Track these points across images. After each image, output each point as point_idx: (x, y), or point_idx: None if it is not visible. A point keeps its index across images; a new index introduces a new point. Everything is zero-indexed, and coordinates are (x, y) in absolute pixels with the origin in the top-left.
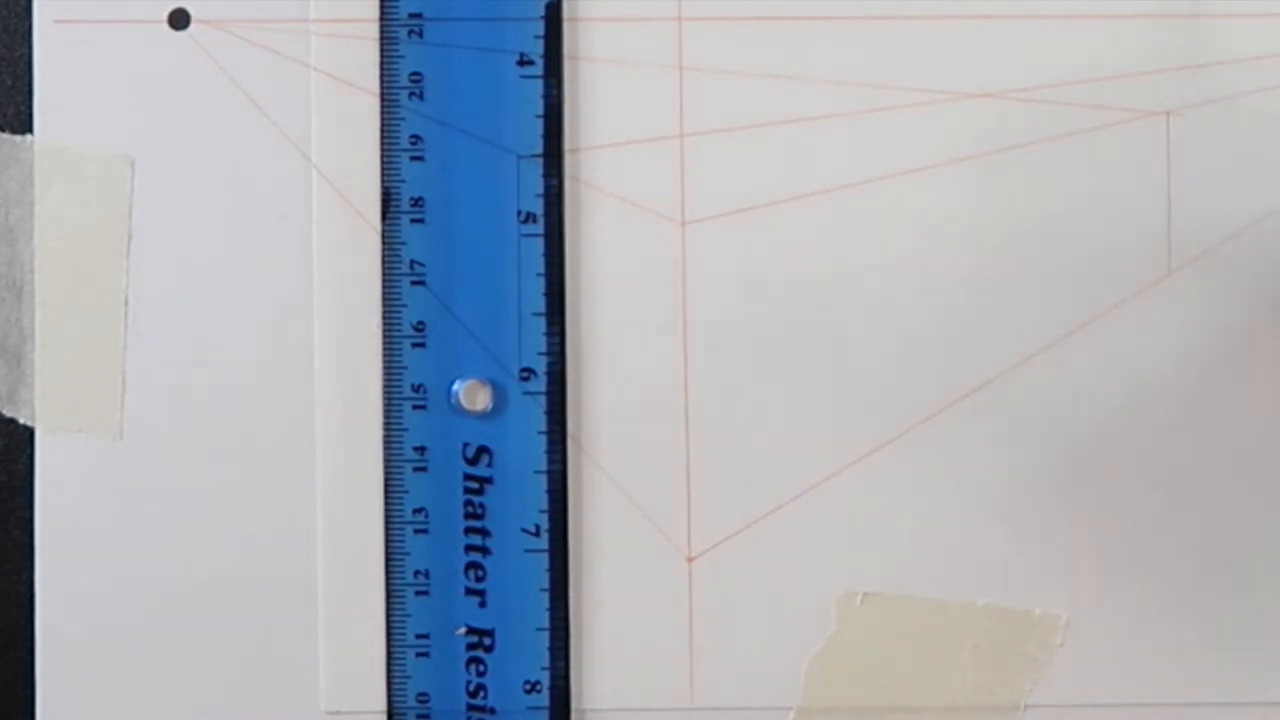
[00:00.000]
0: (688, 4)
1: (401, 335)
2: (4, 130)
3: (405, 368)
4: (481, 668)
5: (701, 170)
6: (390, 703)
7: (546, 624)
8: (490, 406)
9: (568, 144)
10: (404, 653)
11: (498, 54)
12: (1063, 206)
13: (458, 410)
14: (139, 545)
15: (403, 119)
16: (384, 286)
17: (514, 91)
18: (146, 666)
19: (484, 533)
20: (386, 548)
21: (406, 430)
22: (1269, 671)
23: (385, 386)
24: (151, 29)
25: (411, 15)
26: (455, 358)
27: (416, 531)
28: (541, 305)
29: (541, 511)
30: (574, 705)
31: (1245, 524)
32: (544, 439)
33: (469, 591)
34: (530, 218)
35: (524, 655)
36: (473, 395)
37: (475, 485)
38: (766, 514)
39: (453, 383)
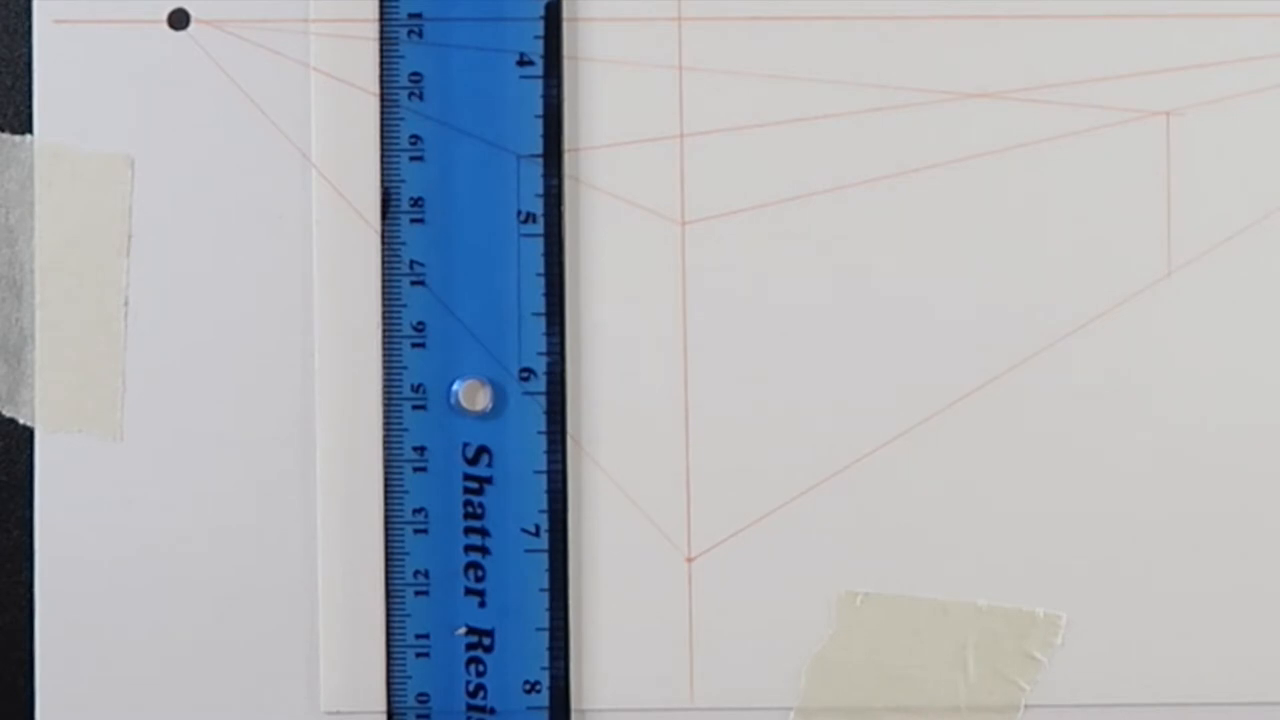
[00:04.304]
0: (688, 4)
1: (401, 335)
2: (4, 130)
3: (405, 368)
4: (481, 668)
5: (701, 170)
6: (390, 703)
7: (546, 624)
8: (490, 406)
9: (568, 144)
10: (404, 653)
11: (498, 54)
12: (1063, 206)
13: (457, 410)
14: (139, 545)
15: (402, 119)
16: (384, 286)
17: (514, 91)
18: (146, 667)
19: (484, 533)
20: (386, 548)
21: (406, 430)
22: (1269, 671)
23: (385, 386)
24: (151, 29)
25: (411, 15)
26: (455, 358)
27: (416, 531)
28: (541, 305)
29: (541, 511)
30: (574, 705)
31: (1245, 524)
32: (544, 439)
33: (469, 591)
34: (530, 218)
35: (524, 655)
36: (472, 395)
37: (475, 485)
38: (766, 514)
39: (452, 383)
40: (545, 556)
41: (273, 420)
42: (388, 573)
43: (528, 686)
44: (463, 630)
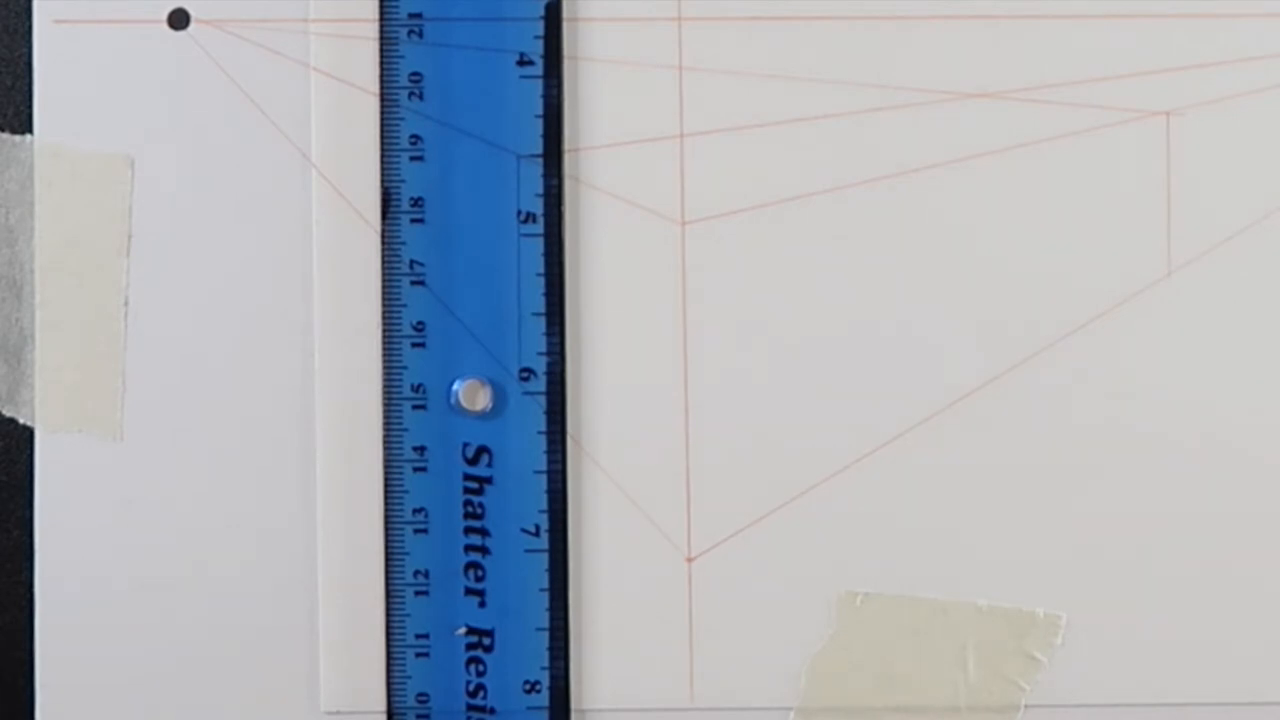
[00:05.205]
0: (688, 4)
1: (401, 335)
2: (4, 130)
3: (405, 368)
4: (481, 668)
5: (701, 170)
6: (390, 703)
7: (546, 624)
8: (490, 406)
9: (568, 144)
10: (404, 653)
11: (498, 54)
12: (1063, 206)
13: (457, 410)
14: (139, 545)
15: (402, 119)
16: (384, 286)
17: (514, 91)
18: (146, 666)
19: (484, 533)
20: (386, 548)
21: (406, 430)
22: (1269, 671)
23: (385, 386)
24: (151, 29)
25: (411, 15)
26: (455, 358)
27: (416, 531)
28: (541, 305)
29: (541, 511)
30: (574, 705)
31: (1245, 524)
32: (544, 439)
33: (469, 591)
34: (530, 218)
35: (524, 655)
36: (473, 395)
37: (475, 485)
38: (766, 514)
39: (453, 383)
40: (545, 556)
41: (273, 420)
42: (388, 573)
43: (528, 686)
44: (463, 630)
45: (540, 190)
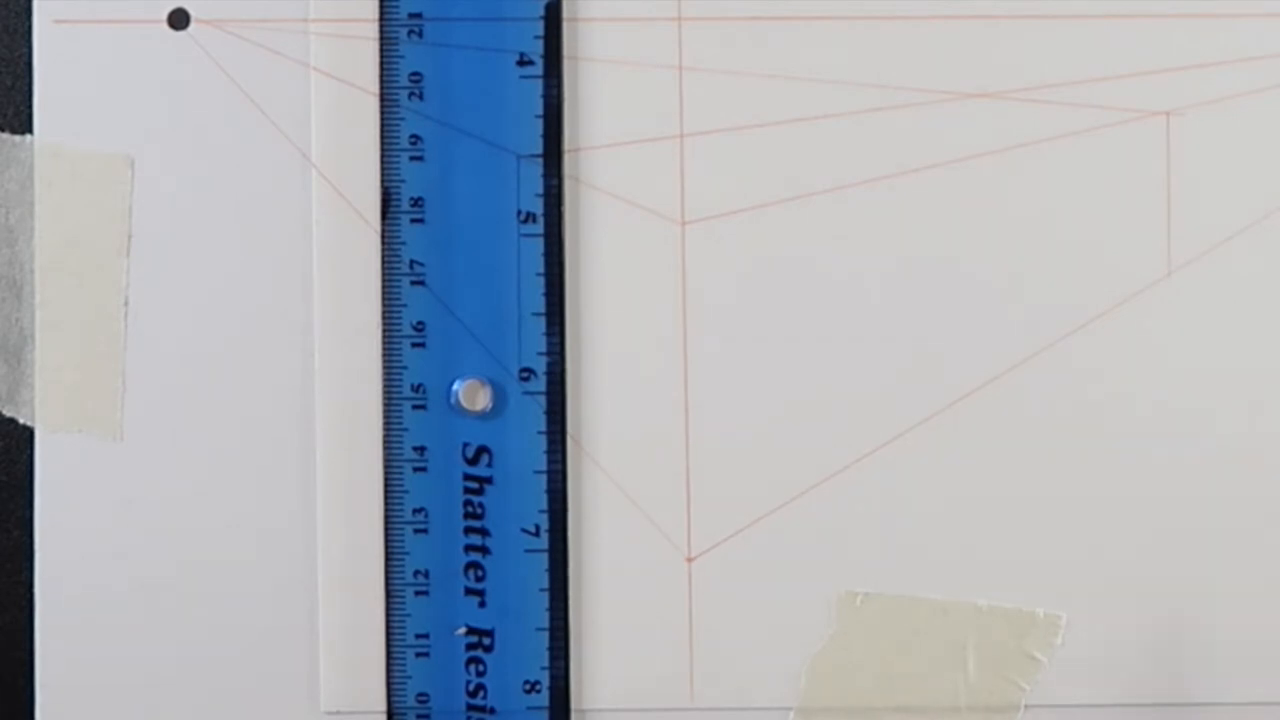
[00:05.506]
0: (688, 4)
1: (401, 335)
2: (4, 130)
3: (405, 368)
4: (481, 668)
5: (701, 170)
6: (390, 703)
7: (546, 624)
8: (490, 406)
9: (568, 144)
10: (404, 653)
11: (498, 54)
12: (1063, 206)
13: (457, 410)
14: (139, 545)
15: (402, 119)
16: (384, 286)
17: (514, 91)
18: (146, 666)
19: (484, 532)
20: (386, 547)
21: (406, 430)
22: (1269, 671)
23: (385, 386)
24: (151, 29)
25: (411, 15)
26: (455, 358)
27: (416, 531)
28: (541, 305)
29: (541, 511)
30: (574, 705)
31: (1245, 524)
32: (544, 439)
33: (469, 591)
34: (530, 218)
35: (524, 655)
36: (473, 395)
37: (475, 485)
38: (766, 514)
39: (453, 383)
40: (545, 556)
41: (273, 420)
42: (388, 573)
43: (528, 686)
44: (463, 630)
45: (540, 190)
